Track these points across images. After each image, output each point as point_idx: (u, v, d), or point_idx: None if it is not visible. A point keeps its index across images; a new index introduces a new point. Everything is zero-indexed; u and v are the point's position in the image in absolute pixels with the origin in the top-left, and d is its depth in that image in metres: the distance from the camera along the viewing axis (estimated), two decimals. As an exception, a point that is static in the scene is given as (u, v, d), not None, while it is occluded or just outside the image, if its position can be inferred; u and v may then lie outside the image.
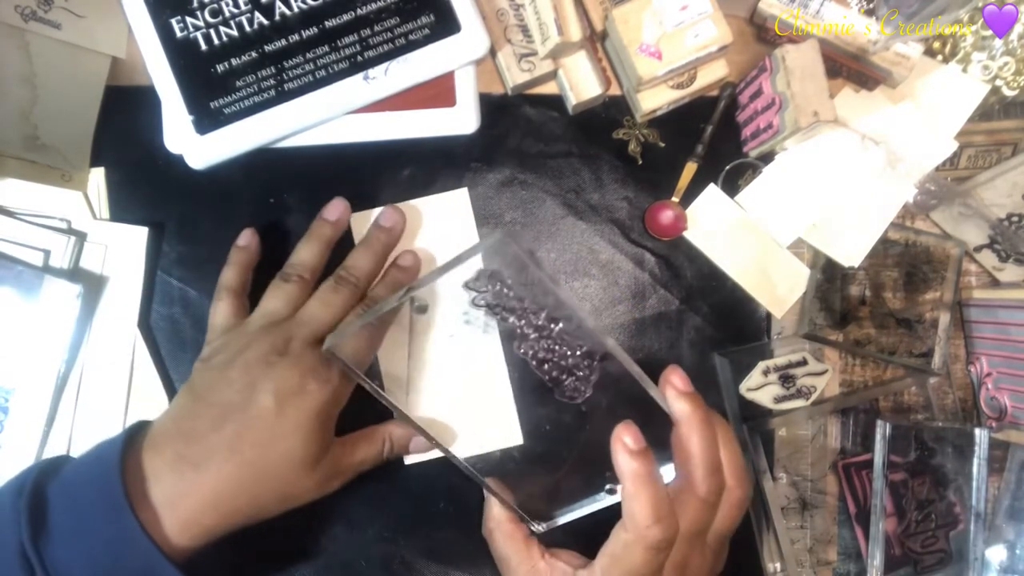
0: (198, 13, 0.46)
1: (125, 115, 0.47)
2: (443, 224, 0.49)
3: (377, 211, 0.49)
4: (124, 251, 0.47)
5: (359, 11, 0.46)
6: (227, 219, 0.48)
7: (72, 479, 0.36)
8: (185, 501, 0.36)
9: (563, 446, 0.45)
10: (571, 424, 0.43)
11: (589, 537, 0.40)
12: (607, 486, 0.41)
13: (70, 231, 0.46)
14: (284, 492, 0.39)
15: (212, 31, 0.46)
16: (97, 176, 0.47)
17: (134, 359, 0.47)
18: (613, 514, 0.37)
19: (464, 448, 0.47)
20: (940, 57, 0.52)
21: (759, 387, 0.50)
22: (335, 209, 0.46)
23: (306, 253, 0.44)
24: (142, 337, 0.47)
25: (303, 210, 0.49)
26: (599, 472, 0.41)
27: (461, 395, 0.49)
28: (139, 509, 0.35)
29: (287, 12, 0.46)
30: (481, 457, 0.48)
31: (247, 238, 0.46)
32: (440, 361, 0.49)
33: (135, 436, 0.38)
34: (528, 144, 0.51)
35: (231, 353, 0.40)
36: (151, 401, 0.47)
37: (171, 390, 0.48)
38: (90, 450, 0.38)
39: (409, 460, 0.49)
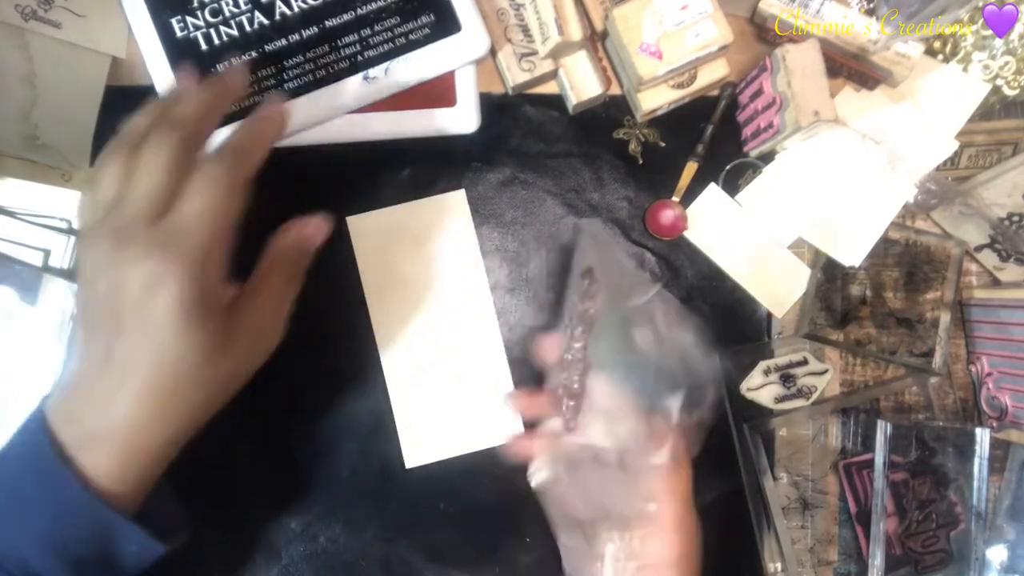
0: (198, 13, 0.46)
1: (125, 115, 0.47)
2: (441, 225, 0.49)
3: (377, 213, 0.49)
4: (124, 251, 0.46)
5: (359, 11, 0.46)
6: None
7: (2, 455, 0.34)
8: (104, 441, 0.32)
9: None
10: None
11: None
12: None
13: (70, 231, 0.46)
14: (206, 395, 0.34)
15: (212, 31, 0.46)
16: (97, 176, 0.47)
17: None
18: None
19: (469, 444, 0.48)
20: (940, 57, 0.52)
21: (760, 387, 0.50)
22: (182, 74, 0.38)
23: (139, 120, 0.36)
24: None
25: (304, 211, 0.48)
26: None
27: (463, 391, 0.49)
28: (67, 462, 0.32)
29: (287, 12, 0.46)
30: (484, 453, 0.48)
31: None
32: (441, 357, 0.49)
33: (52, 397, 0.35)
34: (528, 144, 0.51)
35: (80, 261, 0.34)
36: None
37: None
38: (19, 427, 0.35)
39: (409, 462, 0.49)
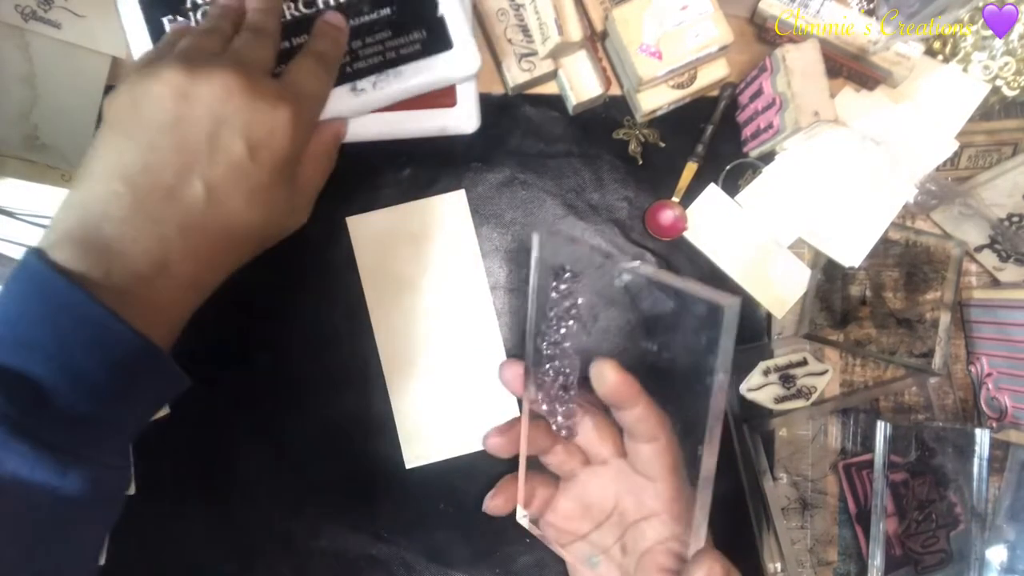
0: (191, 14, 0.46)
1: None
2: (441, 226, 0.49)
3: (377, 213, 0.49)
4: (124, 251, 0.46)
5: (351, 23, 0.46)
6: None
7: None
8: (161, 282, 0.31)
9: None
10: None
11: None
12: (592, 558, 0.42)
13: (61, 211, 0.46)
14: (262, 241, 0.36)
15: None
16: (97, 176, 0.47)
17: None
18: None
19: (470, 444, 0.48)
20: (940, 57, 0.52)
21: (759, 387, 0.50)
22: None
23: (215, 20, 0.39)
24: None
25: (303, 210, 0.49)
26: None
27: (463, 391, 0.49)
28: (97, 295, 0.29)
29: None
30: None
31: None
32: (440, 357, 0.49)
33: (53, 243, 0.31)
34: (528, 144, 0.51)
35: (168, 82, 0.32)
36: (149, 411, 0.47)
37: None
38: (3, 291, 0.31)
39: (409, 462, 0.49)
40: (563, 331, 0.41)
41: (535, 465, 0.44)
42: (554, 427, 0.42)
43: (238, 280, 0.49)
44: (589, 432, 0.42)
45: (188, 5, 0.46)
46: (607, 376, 0.37)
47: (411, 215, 0.49)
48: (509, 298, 0.50)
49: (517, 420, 0.44)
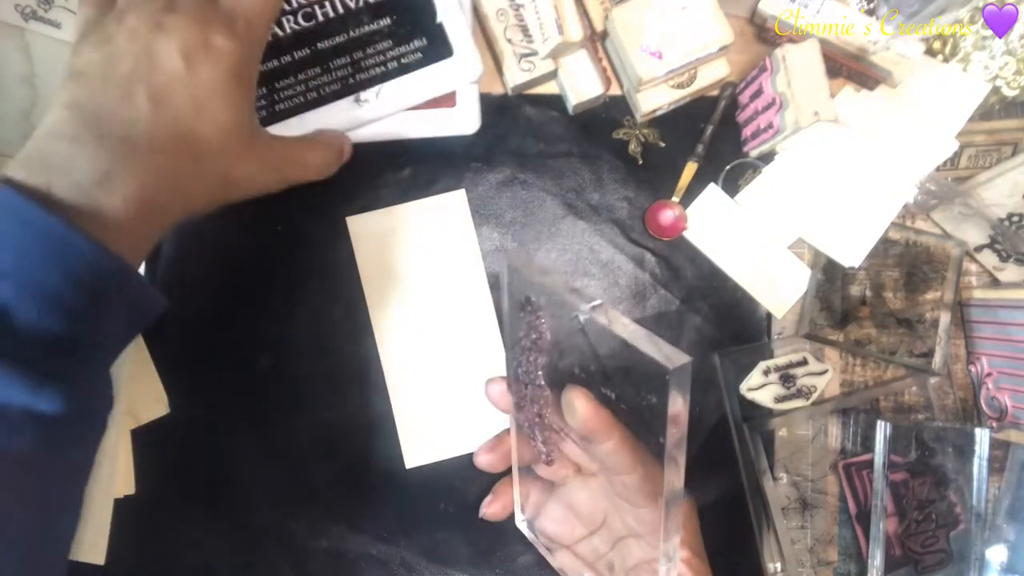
0: None
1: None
2: (441, 226, 0.49)
3: (377, 213, 0.49)
4: (124, 251, 0.46)
5: (351, 33, 0.46)
6: (227, 218, 0.48)
7: None
8: (117, 194, 0.31)
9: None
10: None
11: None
12: None
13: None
14: (222, 169, 0.35)
15: None
16: (97, 176, 0.47)
17: (133, 359, 0.47)
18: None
19: (470, 444, 0.48)
20: (940, 57, 0.52)
21: (759, 387, 0.50)
22: None
23: None
24: (141, 337, 0.47)
25: (303, 210, 0.49)
26: None
27: (462, 391, 0.49)
28: (64, 215, 0.29)
29: (279, 33, 0.46)
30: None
31: None
32: (440, 357, 0.49)
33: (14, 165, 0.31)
34: (528, 144, 0.51)
35: (108, 29, 0.33)
36: (150, 401, 0.47)
37: (170, 390, 0.48)
38: None
39: (409, 462, 0.49)
40: (532, 360, 0.40)
41: (529, 470, 0.44)
42: (535, 450, 0.42)
43: (239, 280, 0.49)
44: (575, 450, 0.41)
45: None
46: (577, 408, 0.36)
47: (411, 215, 0.49)
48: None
49: (505, 434, 0.44)
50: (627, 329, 0.32)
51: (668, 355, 0.30)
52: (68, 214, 0.29)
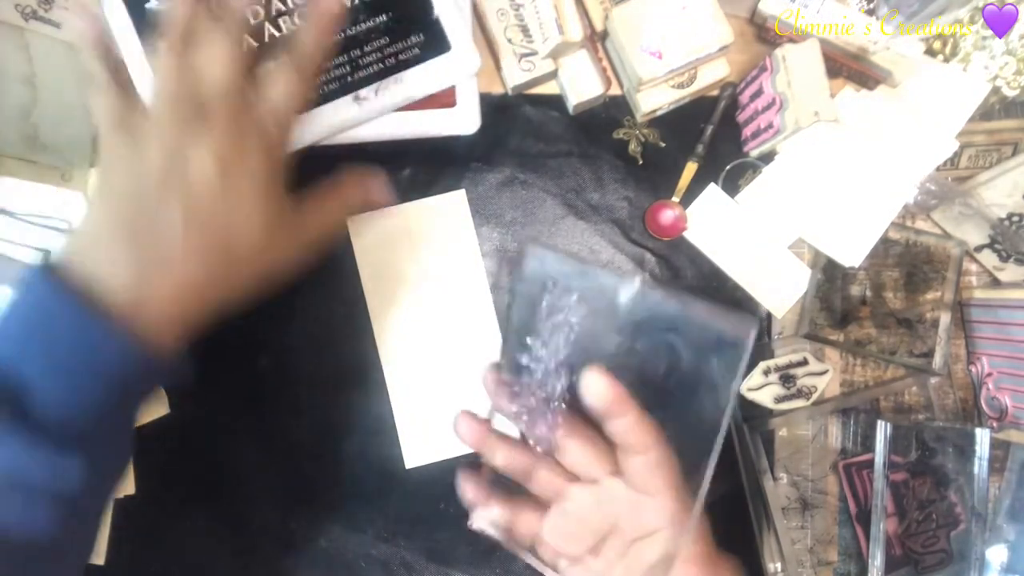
0: None
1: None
2: (441, 226, 0.49)
3: (377, 213, 0.49)
4: (124, 251, 0.46)
5: (348, 32, 0.46)
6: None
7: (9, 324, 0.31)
8: (151, 299, 0.32)
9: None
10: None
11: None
12: None
13: (70, 231, 0.46)
14: (257, 265, 0.35)
15: None
16: (97, 176, 0.47)
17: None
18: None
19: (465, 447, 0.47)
20: (940, 57, 0.52)
21: (760, 387, 0.50)
22: None
23: (174, 14, 0.35)
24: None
25: (303, 210, 0.49)
26: None
27: (462, 392, 0.49)
28: (99, 315, 0.30)
29: (276, 34, 0.46)
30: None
31: (87, 18, 0.36)
32: (440, 357, 0.49)
33: (54, 262, 0.33)
34: (528, 144, 0.51)
35: (138, 142, 0.33)
36: (150, 401, 0.47)
37: (170, 391, 0.48)
38: (7, 306, 0.32)
39: (409, 462, 0.49)
40: (550, 345, 0.40)
41: (520, 491, 0.42)
42: (532, 441, 0.40)
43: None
44: (578, 452, 0.41)
45: None
46: (594, 385, 0.36)
47: (411, 215, 0.49)
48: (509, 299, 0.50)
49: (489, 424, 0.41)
50: (681, 297, 0.33)
51: (735, 319, 0.32)
52: (103, 311, 0.31)
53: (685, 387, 0.36)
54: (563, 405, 0.39)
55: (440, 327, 0.49)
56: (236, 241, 0.34)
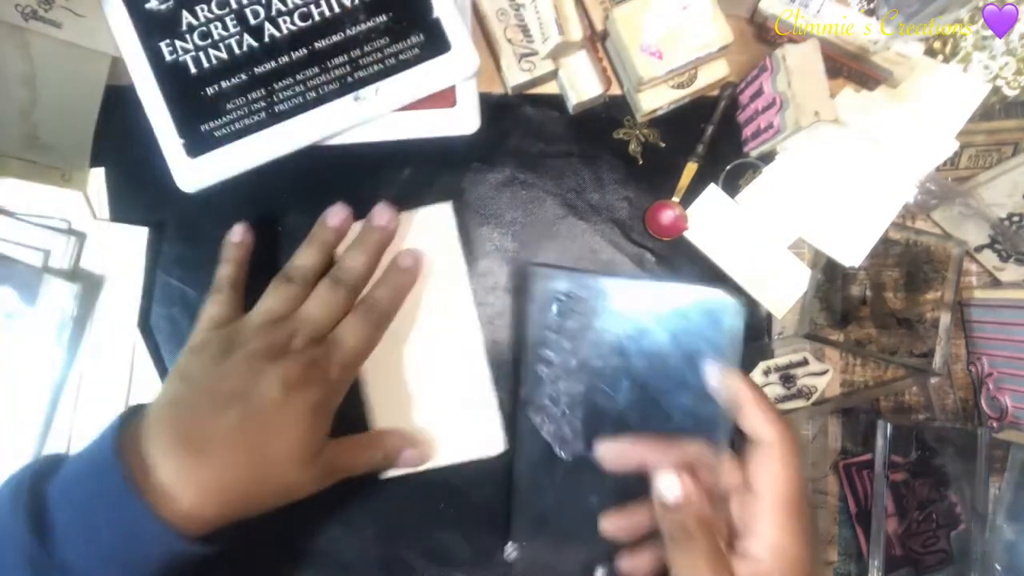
0: (187, 36, 0.45)
1: (125, 115, 0.47)
2: (425, 238, 0.48)
3: (361, 224, 0.48)
4: (124, 251, 0.47)
5: (348, 32, 0.46)
6: (227, 219, 0.48)
7: (69, 474, 0.36)
8: (187, 489, 0.35)
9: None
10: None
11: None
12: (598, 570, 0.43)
13: (70, 231, 0.46)
14: (281, 484, 0.39)
15: (201, 54, 0.45)
16: (97, 176, 0.47)
17: (134, 359, 0.47)
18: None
19: (448, 457, 0.47)
20: (940, 57, 0.52)
21: (760, 387, 0.50)
22: (337, 215, 0.45)
23: (306, 257, 0.44)
24: (142, 337, 0.47)
25: (303, 210, 0.49)
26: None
27: (443, 406, 0.48)
28: (142, 495, 0.34)
29: (276, 34, 0.46)
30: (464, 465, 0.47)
31: (240, 233, 0.45)
32: (416, 362, 0.48)
33: (130, 423, 0.37)
34: (528, 144, 0.51)
35: (228, 345, 0.39)
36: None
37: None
38: (88, 444, 0.37)
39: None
40: (568, 350, 0.42)
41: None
42: (557, 448, 0.43)
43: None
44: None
45: (183, 28, 0.45)
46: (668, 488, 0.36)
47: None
48: (509, 299, 0.50)
49: (638, 506, 0.40)
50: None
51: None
52: (145, 496, 0.34)
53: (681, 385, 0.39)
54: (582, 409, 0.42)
55: (423, 338, 0.47)
56: (274, 455, 0.38)
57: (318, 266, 0.44)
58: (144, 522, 0.34)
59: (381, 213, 0.45)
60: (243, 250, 0.45)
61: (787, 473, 0.35)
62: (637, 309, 0.41)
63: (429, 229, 0.48)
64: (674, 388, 0.39)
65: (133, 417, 0.38)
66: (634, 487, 0.38)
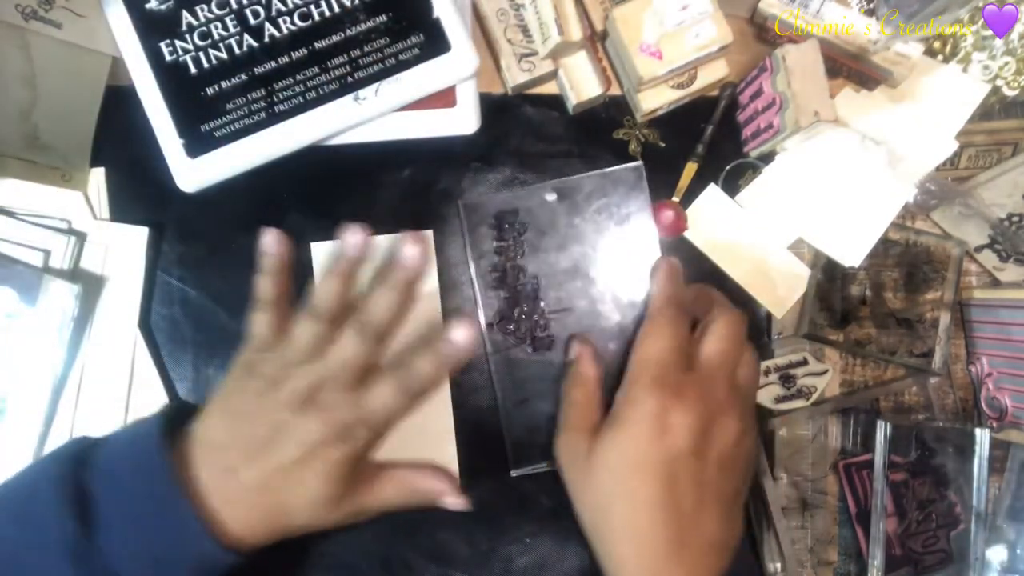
0: (187, 36, 0.45)
1: (125, 115, 0.47)
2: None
3: (395, 237, 0.48)
4: (124, 251, 0.47)
5: (348, 32, 0.46)
6: (227, 219, 0.48)
7: (114, 468, 0.37)
8: (222, 509, 0.37)
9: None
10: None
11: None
12: None
13: (70, 231, 0.46)
14: (307, 525, 0.40)
15: (201, 54, 0.45)
16: (97, 176, 0.47)
17: (134, 359, 0.47)
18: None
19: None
20: (940, 57, 0.52)
21: (760, 387, 0.50)
22: (353, 241, 0.43)
23: (327, 291, 0.42)
24: (142, 337, 0.47)
25: (303, 210, 0.49)
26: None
27: (403, 432, 0.45)
28: (186, 496, 0.36)
29: (276, 34, 0.46)
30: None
31: (270, 244, 0.42)
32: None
33: (175, 429, 0.38)
34: (528, 144, 0.51)
35: (268, 380, 0.39)
36: (151, 401, 0.47)
37: (171, 390, 0.48)
38: (123, 434, 0.38)
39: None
40: (507, 254, 0.48)
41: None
42: (527, 344, 0.48)
43: (241, 284, 0.49)
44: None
45: (183, 28, 0.45)
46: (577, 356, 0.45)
47: (376, 249, 0.47)
48: (500, 302, 0.50)
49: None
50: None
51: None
52: (188, 498, 0.36)
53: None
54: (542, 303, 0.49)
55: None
56: (291, 505, 0.39)
57: (343, 296, 0.42)
58: (187, 521, 0.35)
59: (411, 250, 0.42)
60: (278, 260, 0.42)
61: (645, 344, 0.41)
62: (563, 205, 0.48)
63: None
64: (611, 267, 0.48)
65: (176, 419, 0.39)
66: (612, 370, 0.45)
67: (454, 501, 0.43)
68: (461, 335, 0.40)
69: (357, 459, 0.39)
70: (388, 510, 0.42)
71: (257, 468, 0.38)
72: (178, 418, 0.39)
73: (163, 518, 0.35)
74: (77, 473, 0.35)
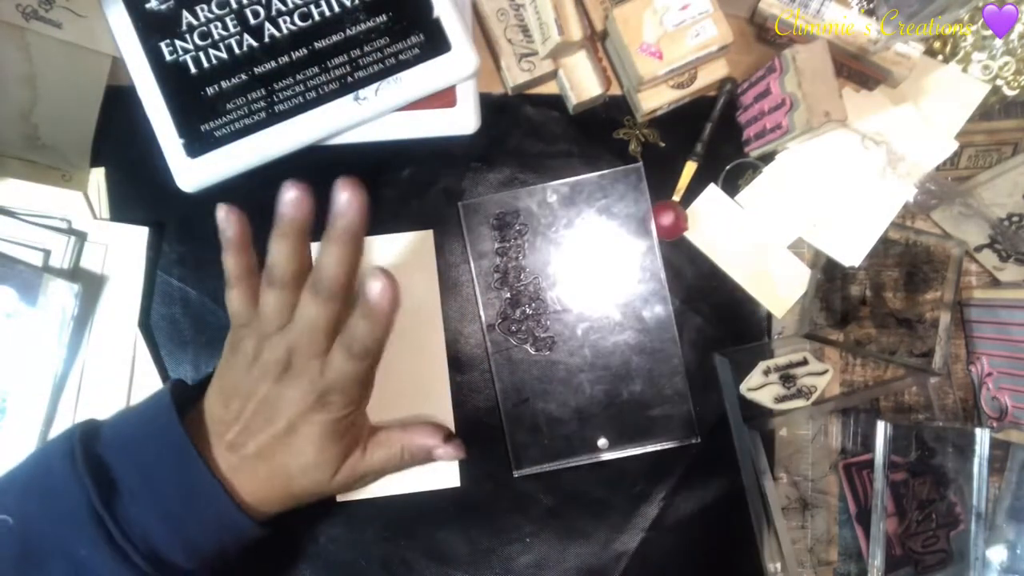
0: (187, 36, 0.45)
1: (125, 115, 0.47)
2: (405, 263, 0.48)
3: (395, 237, 0.48)
4: (124, 251, 0.47)
5: (348, 32, 0.46)
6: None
7: (127, 439, 0.39)
8: (236, 477, 0.40)
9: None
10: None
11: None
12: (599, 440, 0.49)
13: (70, 231, 0.46)
14: (310, 490, 0.42)
15: (201, 54, 0.45)
16: (97, 176, 0.47)
17: (134, 359, 0.47)
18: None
19: (409, 485, 0.48)
20: (940, 57, 0.52)
21: (760, 387, 0.50)
22: (289, 198, 0.40)
23: (280, 254, 0.40)
24: (142, 337, 0.47)
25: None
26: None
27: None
28: (205, 462, 0.38)
29: (276, 34, 0.46)
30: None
31: (222, 220, 0.40)
32: (380, 388, 0.45)
33: (184, 403, 0.40)
34: (528, 144, 0.51)
35: (251, 355, 0.40)
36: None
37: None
38: (130, 410, 0.41)
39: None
40: (512, 264, 0.49)
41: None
42: (528, 345, 0.49)
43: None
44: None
45: (183, 28, 0.45)
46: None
47: (376, 249, 0.48)
48: (501, 303, 0.50)
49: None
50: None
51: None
52: (206, 463, 0.38)
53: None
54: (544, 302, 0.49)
55: (390, 362, 0.44)
56: (296, 475, 0.41)
57: (295, 258, 0.40)
58: (205, 485, 0.37)
59: (343, 196, 0.39)
60: (236, 235, 0.41)
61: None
62: (564, 206, 0.50)
63: (409, 253, 0.48)
64: (611, 267, 0.49)
65: (182, 395, 0.41)
66: (614, 369, 0.49)
67: (444, 451, 0.45)
68: (376, 289, 0.37)
69: (341, 422, 0.41)
70: (387, 473, 0.45)
71: (255, 441, 0.40)
72: (179, 396, 0.41)
73: (183, 485, 0.37)
74: (88, 446, 0.37)
